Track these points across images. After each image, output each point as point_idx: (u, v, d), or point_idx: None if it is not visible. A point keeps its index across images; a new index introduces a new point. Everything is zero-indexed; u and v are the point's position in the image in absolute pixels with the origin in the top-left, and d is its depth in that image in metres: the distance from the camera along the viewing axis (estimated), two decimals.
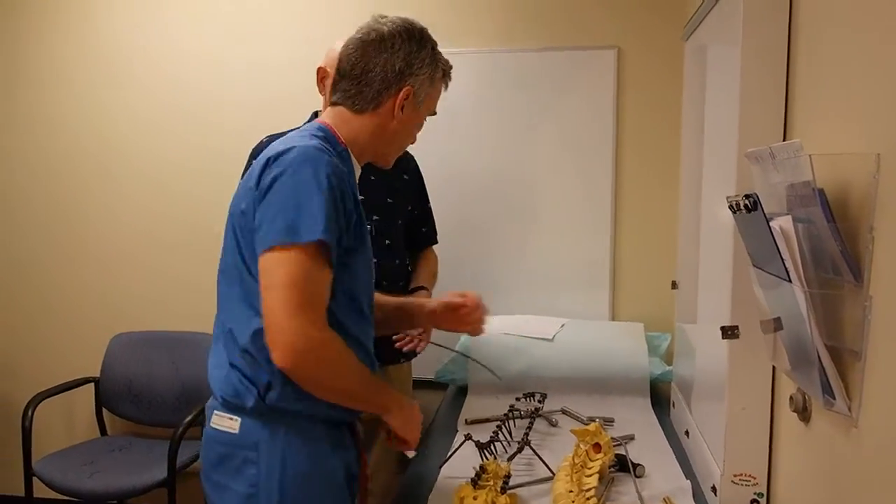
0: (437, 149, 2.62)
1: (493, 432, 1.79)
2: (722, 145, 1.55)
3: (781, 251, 1.05)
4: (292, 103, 2.43)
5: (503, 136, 2.65)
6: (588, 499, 1.41)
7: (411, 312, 1.67)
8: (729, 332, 1.39)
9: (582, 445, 1.58)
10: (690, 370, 1.90)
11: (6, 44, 2.96)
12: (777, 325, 1.20)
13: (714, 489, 1.50)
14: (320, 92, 2.01)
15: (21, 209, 3.02)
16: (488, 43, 2.64)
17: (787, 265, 1.05)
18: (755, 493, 1.45)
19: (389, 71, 1.37)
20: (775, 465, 1.44)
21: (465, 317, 1.63)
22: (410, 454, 1.50)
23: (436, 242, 2.30)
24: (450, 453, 1.77)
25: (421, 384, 2.49)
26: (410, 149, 2.18)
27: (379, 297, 1.53)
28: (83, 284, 3.00)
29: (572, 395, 2.23)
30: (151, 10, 2.86)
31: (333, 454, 1.36)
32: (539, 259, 2.66)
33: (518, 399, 2.13)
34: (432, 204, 2.28)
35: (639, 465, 1.66)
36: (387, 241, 2.06)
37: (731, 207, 1.17)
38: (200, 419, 1.50)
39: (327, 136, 1.35)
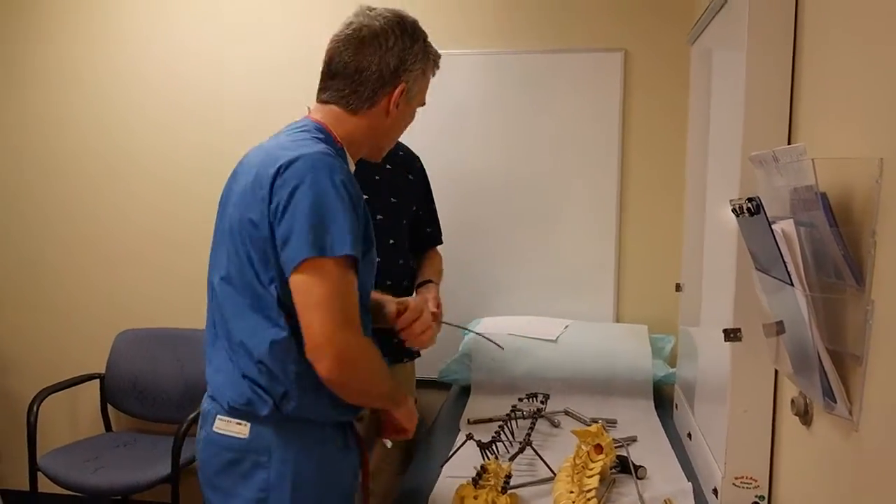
0: (442, 150, 2.63)
1: (495, 432, 1.80)
2: (726, 149, 1.55)
3: (784, 255, 1.05)
4: (299, 104, 2.43)
5: (509, 137, 2.65)
6: (589, 499, 1.41)
7: (378, 311, 1.59)
8: (731, 335, 1.39)
9: (583, 446, 1.58)
10: (693, 372, 1.90)
11: (15, 44, 2.97)
12: (779, 328, 1.20)
13: (715, 491, 1.50)
14: None
15: (28, 207, 3.03)
16: (495, 45, 2.65)
17: (788, 269, 1.05)
18: (756, 496, 1.45)
19: (385, 69, 1.34)
20: (776, 468, 1.44)
21: (404, 330, 1.53)
22: (388, 444, 1.55)
23: (441, 243, 2.31)
24: (451, 453, 1.78)
25: (424, 384, 2.50)
26: (416, 149, 2.21)
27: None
28: (89, 282, 3.02)
29: (575, 396, 2.23)
30: (158, 9, 2.87)
31: (340, 455, 1.38)
32: (544, 260, 2.66)
33: (521, 400, 2.14)
34: (438, 205, 2.29)
35: (640, 466, 1.66)
36: (391, 241, 2.06)
37: (734, 210, 1.18)
38: None
39: (327, 138, 1.34)
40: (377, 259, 1.45)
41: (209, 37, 2.85)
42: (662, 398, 2.27)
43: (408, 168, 2.16)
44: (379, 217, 2.02)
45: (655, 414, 2.15)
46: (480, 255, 2.69)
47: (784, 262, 1.06)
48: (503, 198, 2.67)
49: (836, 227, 1.00)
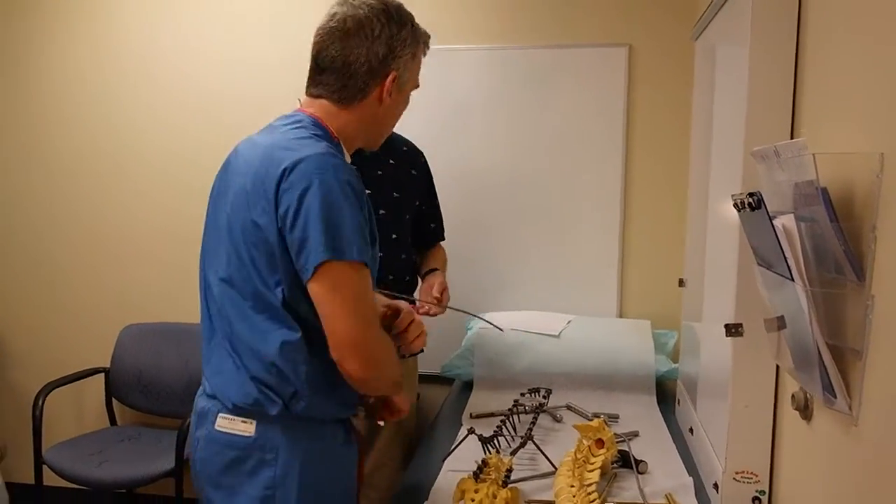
0: (446, 146, 2.63)
1: (497, 427, 1.80)
2: (729, 144, 1.55)
3: (784, 249, 1.05)
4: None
5: (513, 132, 2.65)
6: (589, 494, 1.41)
7: None
8: (733, 330, 1.39)
9: (585, 441, 1.58)
10: (696, 368, 1.91)
11: (20, 45, 2.98)
12: (780, 323, 1.20)
13: (716, 486, 1.51)
14: None
15: (34, 204, 3.05)
16: (498, 40, 2.65)
17: (789, 263, 1.05)
18: (757, 491, 1.45)
19: (373, 59, 1.31)
20: (777, 463, 1.44)
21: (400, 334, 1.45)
22: (382, 423, 1.58)
23: (443, 239, 2.31)
24: (453, 447, 1.78)
25: (427, 379, 2.50)
26: (420, 145, 2.21)
27: None
28: (95, 277, 3.03)
29: (578, 391, 2.24)
30: (163, 8, 2.88)
31: (343, 450, 1.39)
32: (547, 256, 2.67)
33: (523, 395, 2.14)
34: (441, 201, 2.29)
35: (641, 461, 1.66)
36: (393, 236, 2.07)
37: (735, 205, 1.18)
38: None
39: (324, 134, 1.32)
40: (380, 254, 1.46)
41: (215, 34, 2.85)
42: (665, 393, 2.28)
43: (411, 164, 2.17)
44: (382, 212, 2.02)
45: (658, 409, 2.15)
46: (484, 250, 2.69)
47: (784, 257, 1.06)
48: (507, 193, 2.67)
49: (837, 222, 1.00)
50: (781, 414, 1.42)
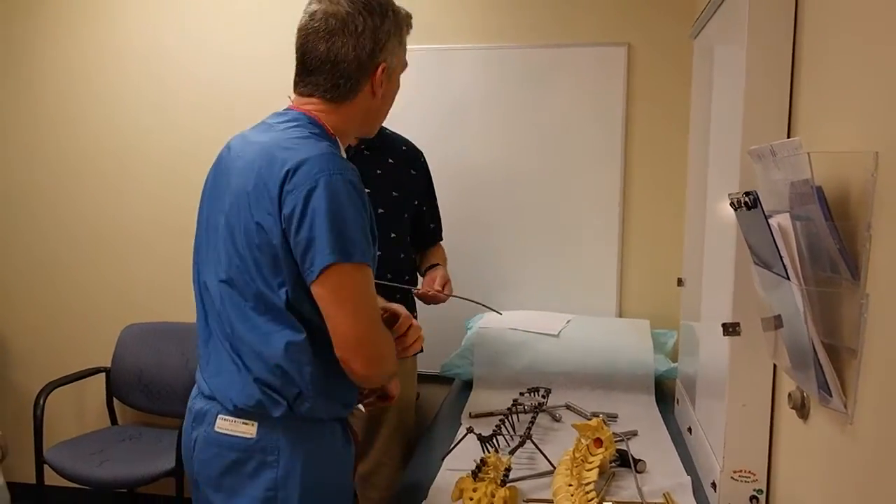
0: (444, 145, 2.63)
1: (496, 426, 1.81)
2: (727, 143, 1.56)
3: (780, 248, 1.06)
4: None
5: (512, 132, 2.65)
6: (587, 493, 1.42)
7: None
8: (730, 329, 1.39)
9: (583, 440, 1.59)
10: (694, 367, 1.91)
11: (24, 45, 2.99)
12: (777, 322, 1.20)
13: (714, 485, 1.51)
14: None
15: (36, 203, 3.06)
16: (497, 39, 2.65)
17: (784, 262, 1.05)
18: (754, 490, 1.45)
19: (361, 54, 1.31)
20: (775, 461, 1.44)
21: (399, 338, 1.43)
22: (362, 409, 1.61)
23: (441, 239, 2.32)
24: (452, 446, 1.79)
25: (426, 378, 2.51)
26: (419, 144, 2.22)
27: None
28: (96, 276, 3.04)
29: (577, 390, 2.24)
30: (167, 7, 2.88)
31: (342, 449, 1.39)
32: (546, 255, 2.67)
33: (522, 394, 2.14)
34: (439, 200, 2.29)
35: (640, 460, 1.66)
36: (392, 235, 2.07)
37: (732, 204, 1.18)
38: None
39: (322, 132, 1.32)
40: (378, 252, 1.46)
41: (219, 32, 2.85)
42: (664, 393, 2.28)
43: (411, 163, 2.17)
44: (381, 211, 2.03)
45: (657, 408, 2.15)
46: (482, 250, 2.70)
47: (780, 256, 1.06)
48: (505, 193, 2.67)
49: (832, 221, 1.00)
50: (779, 413, 1.42)
